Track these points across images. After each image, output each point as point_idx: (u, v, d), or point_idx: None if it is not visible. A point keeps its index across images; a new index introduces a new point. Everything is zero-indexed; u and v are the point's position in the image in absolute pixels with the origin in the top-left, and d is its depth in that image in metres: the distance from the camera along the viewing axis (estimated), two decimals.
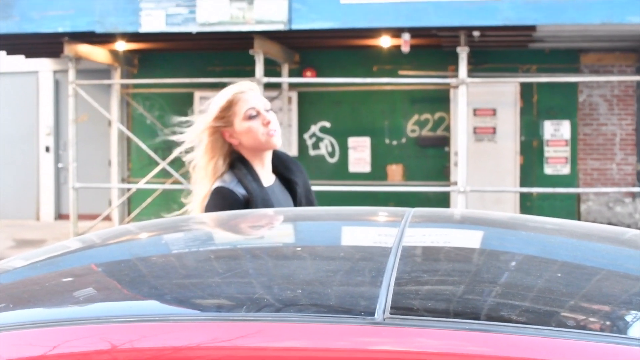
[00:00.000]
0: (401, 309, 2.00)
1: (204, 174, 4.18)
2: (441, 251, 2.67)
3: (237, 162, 4.17)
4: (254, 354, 1.91)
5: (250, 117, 4.14)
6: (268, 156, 4.28)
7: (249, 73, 14.93)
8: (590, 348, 1.84)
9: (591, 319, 2.07)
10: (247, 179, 4.09)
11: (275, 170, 4.37)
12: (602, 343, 1.86)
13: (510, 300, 2.15)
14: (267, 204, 4.05)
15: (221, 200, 4.04)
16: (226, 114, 4.15)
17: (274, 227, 3.23)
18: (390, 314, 1.93)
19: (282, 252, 2.72)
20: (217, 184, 4.11)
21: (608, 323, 2.05)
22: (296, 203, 4.32)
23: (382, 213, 3.35)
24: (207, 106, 4.25)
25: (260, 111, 4.18)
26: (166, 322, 2.02)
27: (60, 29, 14.22)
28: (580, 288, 2.28)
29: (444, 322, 1.92)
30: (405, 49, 14.09)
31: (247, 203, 4.04)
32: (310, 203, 4.41)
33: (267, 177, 4.27)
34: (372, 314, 1.93)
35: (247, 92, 4.21)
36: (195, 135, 4.21)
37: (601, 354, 1.82)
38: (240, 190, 4.06)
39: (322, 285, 2.22)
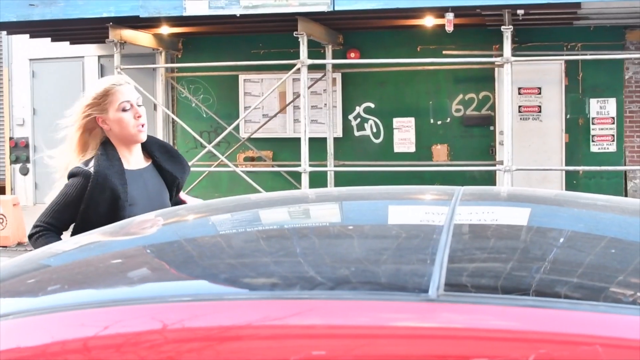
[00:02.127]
0: (455, 286, 2.01)
1: (73, 150, 4.47)
2: (493, 229, 2.67)
3: (102, 146, 4.44)
4: (308, 332, 1.92)
5: (124, 109, 4.41)
6: (136, 145, 4.54)
7: (293, 55, 14.95)
8: None
9: None
10: (100, 158, 4.36)
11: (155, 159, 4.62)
12: None
13: (564, 277, 2.15)
14: (108, 178, 4.31)
15: (77, 179, 4.32)
16: (102, 101, 4.41)
17: (326, 207, 3.24)
18: (445, 291, 1.93)
19: (335, 231, 2.73)
20: (79, 165, 4.39)
21: None
22: (170, 191, 4.63)
23: (433, 191, 3.35)
24: (86, 91, 4.53)
25: (134, 105, 4.45)
26: (220, 300, 2.03)
27: (105, 14, 14.31)
28: (634, 264, 2.27)
29: (498, 299, 1.92)
30: (449, 28, 14.02)
31: (86, 182, 4.32)
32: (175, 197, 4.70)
33: (135, 161, 4.54)
34: (426, 291, 1.93)
35: (124, 85, 4.49)
36: (74, 117, 4.47)
37: None
38: (87, 170, 4.34)
39: (375, 264, 2.23)
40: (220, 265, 2.38)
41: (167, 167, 4.60)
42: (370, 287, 2.07)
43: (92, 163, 4.36)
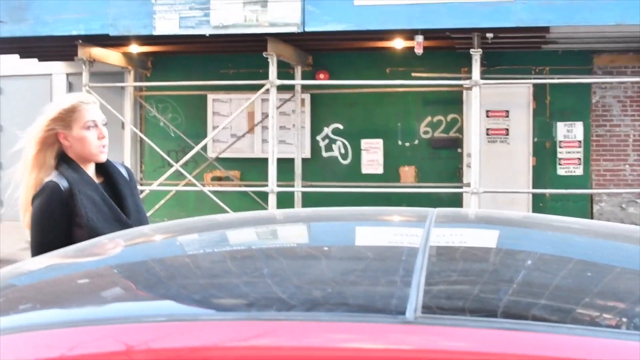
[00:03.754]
0: (432, 308, 2.00)
1: (31, 165, 4.38)
2: (468, 251, 2.67)
3: (61, 161, 4.38)
4: (283, 353, 1.91)
5: (89, 128, 4.38)
6: (92, 164, 4.51)
7: (262, 75, 14.92)
8: (622, 347, 1.83)
9: (623, 318, 2.07)
10: (68, 171, 4.33)
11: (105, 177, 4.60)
12: (633, 341, 1.85)
13: (540, 300, 2.16)
14: (89, 186, 4.34)
15: (47, 194, 4.28)
16: (67, 117, 4.37)
17: (300, 227, 3.23)
18: (422, 313, 1.93)
19: (311, 253, 2.72)
20: (45, 179, 4.32)
21: (630, 321, 2.05)
22: (122, 200, 4.52)
23: (407, 213, 3.35)
24: (50, 106, 4.47)
25: (99, 124, 4.42)
26: (192, 321, 2.01)
27: (74, 32, 14.23)
28: (610, 286, 2.28)
29: (475, 322, 1.92)
30: (419, 50, 14.06)
31: (69, 194, 4.28)
32: (137, 205, 4.62)
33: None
34: (403, 313, 1.93)
35: (91, 104, 4.45)
36: (35, 130, 4.41)
37: (633, 352, 1.82)
38: (62, 182, 4.29)
39: (351, 285, 2.22)
40: (194, 286, 2.36)
41: (115, 179, 4.55)
42: (346, 309, 2.06)
43: (58, 177, 4.31)
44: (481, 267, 2.46)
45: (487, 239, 2.93)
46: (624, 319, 2.06)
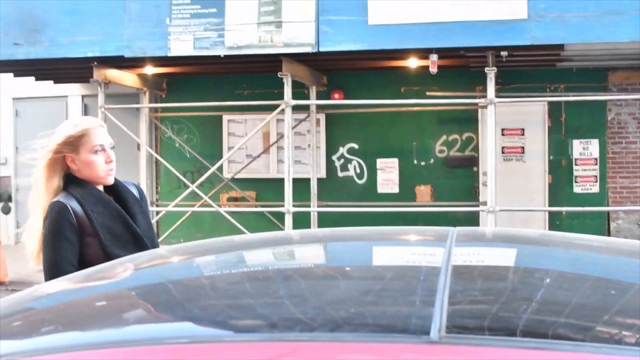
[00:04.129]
0: (456, 327, 1.99)
1: (43, 191, 4.44)
2: (491, 270, 2.66)
3: (69, 181, 4.44)
4: None
5: (96, 152, 4.44)
6: (101, 185, 4.55)
7: (277, 96, 14.95)
8: None
9: None
10: (76, 190, 4.39)
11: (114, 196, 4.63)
12: None
13: (564, 318, 2.14)
14: (100, 202, 4.41)
15: (56, 214, 4.32)
16: (75, 141, 4.42)
17: (322, 247, 3.22)
18: (446, 332, 1.92)
19: (334, 273, 2.71)
20: (53, 200, 4.36)
21: None
22: (132, 217, 4.53)
23: (427, 232, 3.34)
24: (59, 129, 4.50)
25: (106, 149, 4.48)
26: (217, 342, 2.01)
27: (89, 54, 14.29)
28: (632, 304, 2.26)
29: (500, 341, 1.91)
30: (433, 69, 14.06)
31: (79, 213, 4.33)
32: (147, 223, 4.65)
33: None
34: (428, 332, 1.92)
35: (99, 128, 4.51)
36: (44, 153, 4.46)
37: None
38: (70, 202, 4.34)
39: (375, 305, 2.21)
40: (216, 307, 2.36)
41: (132, 207, 4.57)
42: (371, 329, 2.05)
43: (67, 198, 4.36)
44: (503, 285, 2.45)
45: (507, 257, 2.91)
46: None
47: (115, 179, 4.62)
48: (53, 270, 4.27)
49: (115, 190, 4.60)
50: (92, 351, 2.03)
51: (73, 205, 4.33)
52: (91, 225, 4.32)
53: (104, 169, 4.44)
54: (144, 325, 2.33)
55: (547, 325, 2.08)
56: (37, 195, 4.46)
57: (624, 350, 1.89)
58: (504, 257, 2.92)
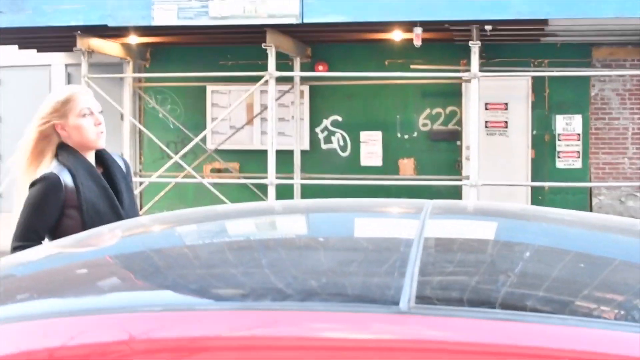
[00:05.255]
0: (426, 298, 2.01)
1: (29, 157, 4.45)
2: (463, 242, 2.68)
3: (61, 150, 4.45)
4: (278, 343, 1.92)
5: (84, 115, 4.45)
6: (92, 153, 4.56)
7: (261, 67, 14.91)
8: (614, 337, 1.85)
9: (617, 310, 2.08)
10: (68, 159, 4.41)
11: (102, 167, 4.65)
12: (626, 332, 1.86)
13: (533, 291, 2.17)
14: (90, 175, 4.42)
15: (45, 185, 4.34)
16: (62, 107, 4.44)
17: (297, 218, 3.24)
18: (416, 303, 1.94)
19: (306, 243, 2.73)
20: (44, 171, 4.38)
21: (626, 313, 2.06)
22: (118, 194, 4.55)
23: (402, 205, 3.36)
24: (45, 100, 4.53)
25: (94, 112, 4.49)
26: (190, 311, 2.03)
27: (73, 23, 14.22)
28: (605, 279, 2.29)
29: (469, 312, 1.93)
30: (417, 42, 14.05)
31: (70, 187, 4.36)
32: (131, 200, 4.68)
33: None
34: (397, 303, 1.94)
35: (84, 93, 4.55)
36: (32, 124, 4.48)
37: (625, 343, 1.83)
38: (64, 174, 4.37)
39: (346, 276, 2.23)
40: (191, 276, 2.37)
41: (119, 184, 4.59)
42: (341, 299, 2.07)
43: (59, 169, 4.37)
44: (476, 258, 2.47)
45: (482, 230, 2.94)
46: (619, 311, 2.07)
47: (105, 150, 4.64)
48: (22, 233, 4.31)
49: (104, 162, 4.61)
50: (66, 318, 2.05)
51: (65, 178, 4.35)
52: (77, 199, 4.34)
53: (94, 131, 4.44)
54: (119, 293, 2.34)
55: (516, 297, 2.11)
56: (23, 162, 4.45)
57: (592, 322, 1.91)
58: (478, 230, 2.94)
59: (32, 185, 4.37)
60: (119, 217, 4.40)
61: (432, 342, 1.86)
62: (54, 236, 4.26)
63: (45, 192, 4.32)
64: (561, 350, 1.82)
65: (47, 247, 2.99)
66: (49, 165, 4.40)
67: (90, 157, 4.53)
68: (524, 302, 2.07)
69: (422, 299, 1.98)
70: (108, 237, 3.03)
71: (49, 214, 4.32)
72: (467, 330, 1.86)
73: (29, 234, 4.27)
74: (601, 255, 2.63)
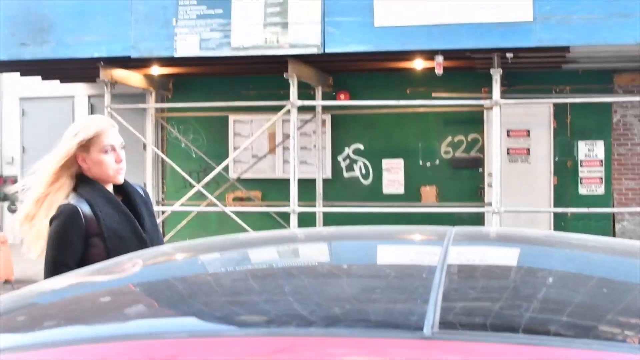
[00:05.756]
0: (449, 324, 2.02)
1: (46, 184, 4.47)
2: (485, 268, 2.68)
3: (80, 182, 4.50)
4: None
5: (107, 152, 4.49)
6: (110, 184, 4.60)
7: (283, 96, 14.98)
8: None
9: (638, 334, 2.08)
10: (86, 191, 4.44)
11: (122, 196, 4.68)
12: None
13: (557, 316, 2.17)
14: (109, 203, 4.45)
15: (65, 217, 4.36)
16: (87, 141, 4.47)
17: (320, 245, 3.25)
18: (439, 328, 1.95)
19: (330, 270, 2.74)
20: (63, 202, 4.41)
21: None
22: (140, 219, 4.59)
23: (425, 231, 3.37)
24: (73, 129, 4.56)
25: (117, 148, 4.53)
26: (215, 337, 2.04)
27: (96, 54, 14.33)
28: (629, 303, 2.28)
29: (492, 337, 1.93)
30: (439, 71, 14.07)
31: (89, 216, 4.38)
32: (153, 225, 4.70)
33: None
34: (421, 328, 1.95)
35: (110, 128, 4.56)
36: (57, 151, 4.51)
37: None
38: (82, 205, 4.39)
39: (369, 302, 2.24)
40: (215, 303, 2.39)
41: (139, 209, 4.62)
42: (364, 325, 2.08)
43: (77, 200, 4.40)
44: (498, 284, 2.47)
45: (504, 256, 2.94)
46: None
47: (125, 180, 4.67)
48: (52, 268, 4.32)
49: (124, 191, 4.65)
50: (92, 345, 2.06)
51: (83, 207, 4.38)
52: (98, 226, 4.36)
53: (113, 168, 4.49)
54: (144, 320, 2.35)
55: (539, 322, 2.11)
56: (42, 191, 4.48)
57: (615, 347, 1.91)
58: (501, 256, 2.94)
59: (52, 220, 4.40)
60: (141, 241, 4.43)
61: None
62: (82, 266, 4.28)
63: (66, 224, 4.35)
64: None
65: (71, 276, 3.01)
66: (67, 197, 4.43)
67: (109, 186, 4.57)
68: (548, 326, 2.07)
69: (445, 324, 1.98)
70: (131, 265, 3.05)
71: (75, 244, 4.35)
72: (491, 354, 1.87)
73: (60, 268, 4.23)
74: (624, 280, 2.63)
